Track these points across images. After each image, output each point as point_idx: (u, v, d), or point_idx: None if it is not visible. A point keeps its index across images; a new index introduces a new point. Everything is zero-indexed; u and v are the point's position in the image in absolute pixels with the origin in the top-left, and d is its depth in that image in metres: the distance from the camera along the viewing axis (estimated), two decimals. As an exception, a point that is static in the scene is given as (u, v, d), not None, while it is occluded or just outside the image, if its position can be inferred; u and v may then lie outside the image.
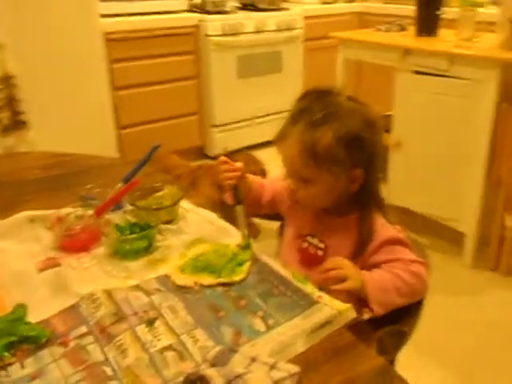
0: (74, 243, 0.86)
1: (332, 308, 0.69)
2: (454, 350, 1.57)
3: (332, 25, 3.17)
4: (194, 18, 2.77)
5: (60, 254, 0.85)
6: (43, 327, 0.66)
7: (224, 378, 0.54)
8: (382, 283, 0.80)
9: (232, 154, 0.93)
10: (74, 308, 0.71)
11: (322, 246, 0.88)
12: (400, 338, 0.81)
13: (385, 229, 0.86)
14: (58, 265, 0.82)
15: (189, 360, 0.61)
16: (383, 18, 2.90)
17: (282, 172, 0.90)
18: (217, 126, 2.98)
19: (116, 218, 0.90)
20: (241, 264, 0.80)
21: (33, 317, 0.69)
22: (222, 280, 0.77)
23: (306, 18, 3.14)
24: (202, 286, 0.76)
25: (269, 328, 0.66)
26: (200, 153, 3.04)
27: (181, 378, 0.57)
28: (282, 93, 3.20)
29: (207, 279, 0.77)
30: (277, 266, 0.80)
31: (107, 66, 2.41)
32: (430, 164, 2.04)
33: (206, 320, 0.68)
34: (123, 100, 2.60)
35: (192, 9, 2.91)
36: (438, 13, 2.05)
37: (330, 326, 0.67)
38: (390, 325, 0.80)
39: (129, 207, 0.94)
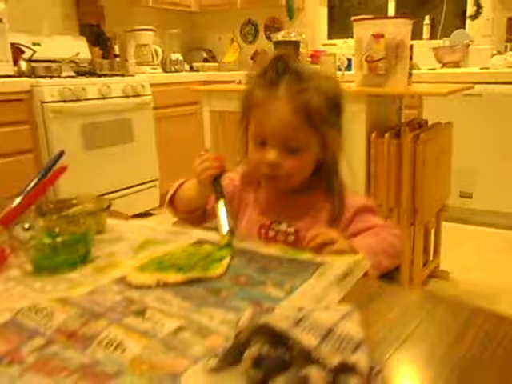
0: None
1: (345, 260, 0.65)
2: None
3: (179, 93, 3.34)
4: (25, 82, 2.62)
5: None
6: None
7: (289, 320, 0.45)
8: (370, 247, 0.80)
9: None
10: (12, 323, 0.53)
11: (291, 230, 0.85)
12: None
13: (354, 198, 0.89)
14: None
15: (214, 335, 0.50)
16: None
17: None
18: (64, 207, 2.74)
19: (21, 233, 0.72)
20: (219, 260, 0.69)
21: None
22: (193, 275, 0.64)
23: (153, 85, 3.24)
24: (166, 285, 0.62)
25: (288, 293, 0.59)
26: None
27: (213, 354, 0.46)
28: (136, 164, 3.15)
29: (173, 276, 0.64)
30: (259, 247, 0.74)
31: None
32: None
33: (210, 301, 0.58)
34: None
35: (20, 75, 2.77)
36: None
37: (352, 276, 0.63)
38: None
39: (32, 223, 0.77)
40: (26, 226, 0.70)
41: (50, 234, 0.72)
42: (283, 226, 0.86)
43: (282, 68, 0.83)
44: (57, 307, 0.55)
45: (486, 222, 2.87)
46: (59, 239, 0.70)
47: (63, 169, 0.80)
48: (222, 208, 0.80)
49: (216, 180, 0.84)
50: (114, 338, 0.49)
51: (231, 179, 0.94)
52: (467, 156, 2.80)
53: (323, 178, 0.88)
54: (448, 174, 2.28)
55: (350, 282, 0.62)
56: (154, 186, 3.29)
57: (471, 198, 2.94)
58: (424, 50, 3.26)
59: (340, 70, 3.04)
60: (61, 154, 0.87)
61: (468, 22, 3.32)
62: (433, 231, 2.32)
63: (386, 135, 2.03)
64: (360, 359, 0.42)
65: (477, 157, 2.85)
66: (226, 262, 0.68)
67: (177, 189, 0.93)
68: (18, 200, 0.81)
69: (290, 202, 0.88)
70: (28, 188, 0.81)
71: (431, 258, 2.32)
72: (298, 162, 0.83)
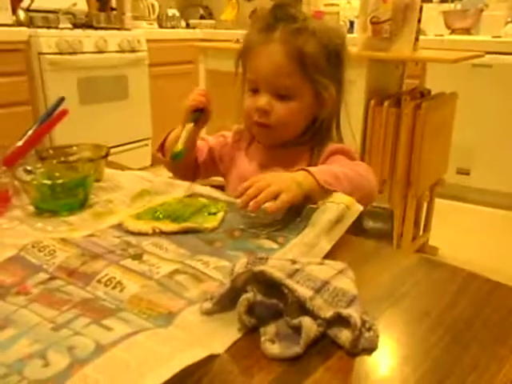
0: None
1: (337, 204, 0.67)
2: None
3: (175, 50, 3.31)
4: (23, 32, 2.59)
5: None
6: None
7: (284, 272, 0.49)
8: (329, 171, 0.75)
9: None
10: (16, 258, 0.57)
11: None
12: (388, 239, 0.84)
13: (335, 144, 0.89)
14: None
15: (209, 281, 0.54)
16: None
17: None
18: (56, 161, 2.76)
19: (23, 175, 0.75)
20: (214, 213, 0.73)
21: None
22: (188, 225, 0.68)
23: (149, 41, 3.21)
24: (162, 233, 0.66)
25: (281, 245, 0.63)
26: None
27: (208, 297, 0.50)
28: (129, 122, 3.16)
29: (168, 225, 0.68)
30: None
31: None
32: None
33: (204, 250, 0.62)
34: None
35: (18, 24, 2.74)
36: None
37: (344, 223, 0.66)
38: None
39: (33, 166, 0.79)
40: (28, 168, 0.73)
41: (49, 178, 0.75)
42: None
43: (281, 14, 0.84)
44: (58, 246, 0.59)
45: (483, 200, 2.81)
46: (59, 181, 0.73)
47: (64, 112, 0.82)
48: (188, 129, 0.86)
49: (196, 110, 0.89)
50: (113, 277, 0.53)
51: (225, 137, 0.97)
52: (468, 130, 2.69)
53: (316, 133, 0.89)
54: (447, 147, 2.28)
55: (340, 229, 0.65)
56: (146, 144, 3.30)
57: (468, 174, 2.88)
58: (433, 14, 3.11)
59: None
60: (61, 99, 0.90)
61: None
62: (425, 205, 2.33)
63: (386, 103, 2.02)
64: (353, 313, 0.45)
65: (478, 132, 2.76)
66: (220, 215, 0.72)
67: (167, 136, 0.95)
68: (20, 142, 0.84)
69: (276, 157, 0.90)
70: (29, 132, 0.83)
71: (421, 232, 2.33)
72: (288, 110, 0.84)
